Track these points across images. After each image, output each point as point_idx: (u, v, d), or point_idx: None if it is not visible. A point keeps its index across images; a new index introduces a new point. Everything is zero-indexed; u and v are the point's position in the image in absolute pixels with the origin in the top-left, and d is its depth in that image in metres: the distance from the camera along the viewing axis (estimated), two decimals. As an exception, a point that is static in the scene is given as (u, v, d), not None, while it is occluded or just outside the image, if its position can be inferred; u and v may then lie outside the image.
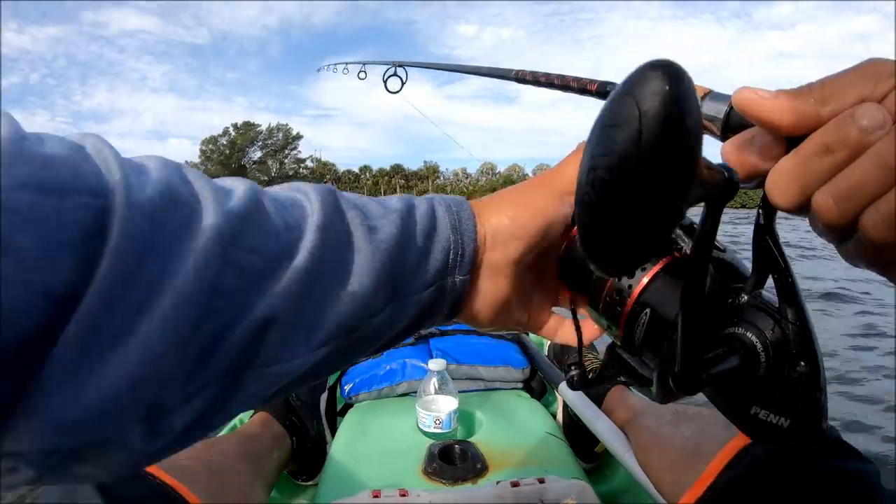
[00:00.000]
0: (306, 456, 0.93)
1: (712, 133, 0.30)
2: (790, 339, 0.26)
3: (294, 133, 55.85)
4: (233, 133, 53.57)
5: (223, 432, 1.00)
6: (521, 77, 0.63)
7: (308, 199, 0.28)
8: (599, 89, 0.44)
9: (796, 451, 0.44)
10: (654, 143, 0.16)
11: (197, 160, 55.21)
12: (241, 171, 54.15)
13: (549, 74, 0.56)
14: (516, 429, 0.88)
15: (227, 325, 0.23)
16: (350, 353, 0.29)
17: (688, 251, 0.31)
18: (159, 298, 0.20)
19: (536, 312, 0.38)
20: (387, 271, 0.29)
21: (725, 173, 0.23)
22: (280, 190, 0.29)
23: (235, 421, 1.06)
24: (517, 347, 1.10)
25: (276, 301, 0.24)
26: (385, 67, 1.12)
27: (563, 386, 0.90)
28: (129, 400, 0.20)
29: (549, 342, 1.17)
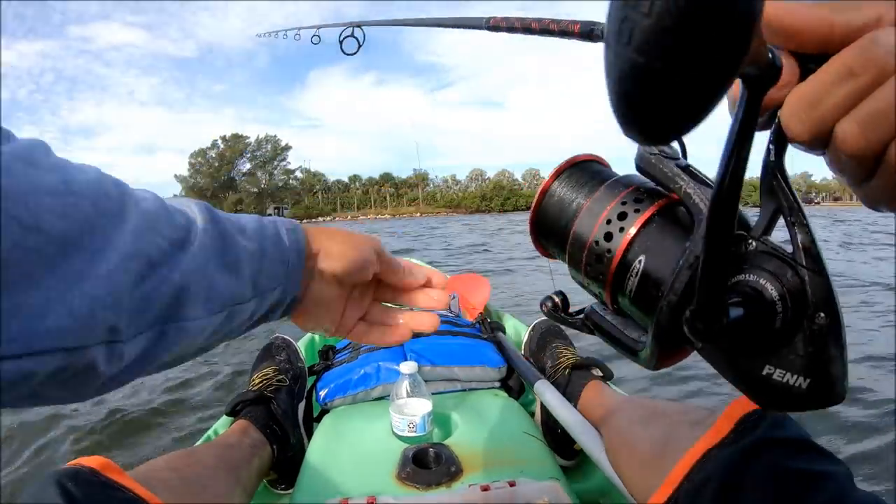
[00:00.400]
0: (286, 464, 0.91)
1: None
2: (808, 286, 0.23)
3: (283, 144, 55.75)
4: (221, 145, 53.37)
5: (200, 442, 0.98)
6: (495, 25, 0.58)
7: (191, 209, 0.35)
8: (583, 30, 0.42)
9: (762, 453, 0.43)
10: None
11: (186, 173, 54.95)
12: (230, 183, 53.97)
13: (524, 19, 0.52)
14: (493, 429, 0.86)
15: (157, 285, 0.30)
16: (234, 332, 0.39)
17: (688, 190, 0.28)
18: (103, 259, 0.27)
19: (347, 320, 0.48)
20: (250, 269, 0.37)
21: (770, 55, 0.19)
22: (170, 200, 0.36)
23: (210, 432, 1.04)
24: (493, 346, 1.09)
25: (185, 275, 0.31)
26: (340, 29, 1.08)
27: (538, 385, 0.88)
28: (96, 318, 0.26)
29: (524, 341, 1.16)
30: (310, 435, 1.01)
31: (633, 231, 0.28)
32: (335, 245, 0.43)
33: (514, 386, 1.05)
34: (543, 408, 0.95)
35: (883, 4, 0.20)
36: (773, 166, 0.24)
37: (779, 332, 0.23)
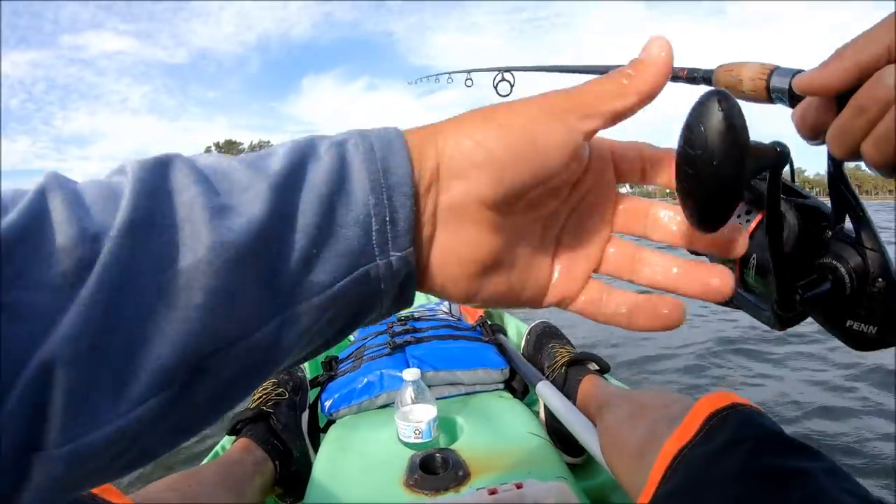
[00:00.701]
0: (291, 478, 0.91)
1: (782, 102, 0.36)
2: (868, 261, 0.32)
3: (277, 149, 55.65)
4: (215, 152, 53.27)
5: (206, 460, 0.98)
6: None
7: (127, 184, 0.20)
8: (689, 75, 0.49)
9: (732, 452, 0.42)
10: (717, 144, 0.21)
11: (181, 183, 54.96)
12: (226, 191, 54.12)
13: None
14: (498, 432, 0.87)
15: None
16: (227, 396, 0.22)
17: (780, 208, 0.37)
18: None
19: (564, 280, 0.26)
20: (251, 273, 0.20)
21: (778, 148, 0.28)
22: (103, 179, 0.22)
23: (217, 448, 1.04)
24: (494, 348, 1.09)
25: (58, 350, 0.17)
26: (493, 74, 1.16)
27: (540, 386, 0.89)
28: None
29: (522, 345, 1.17)
30: (316, 447, 1.01)
31: (750, 229, 0.36)
32: (467, 141, 0.22)
33: (518, 387, 1.05)
34: (548, 408, 0.96)
35: (888, 36, 0.25)
36: (834, 175, 0.32)
37: (850, 297, 0.32)
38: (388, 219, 0.22)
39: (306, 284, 0.21)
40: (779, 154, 0.28)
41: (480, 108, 0.24)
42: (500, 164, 0.22)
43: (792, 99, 0.34)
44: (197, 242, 0.19)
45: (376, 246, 0.22)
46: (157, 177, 0.21)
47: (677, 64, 0.51)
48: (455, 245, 0.23)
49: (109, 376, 0.18)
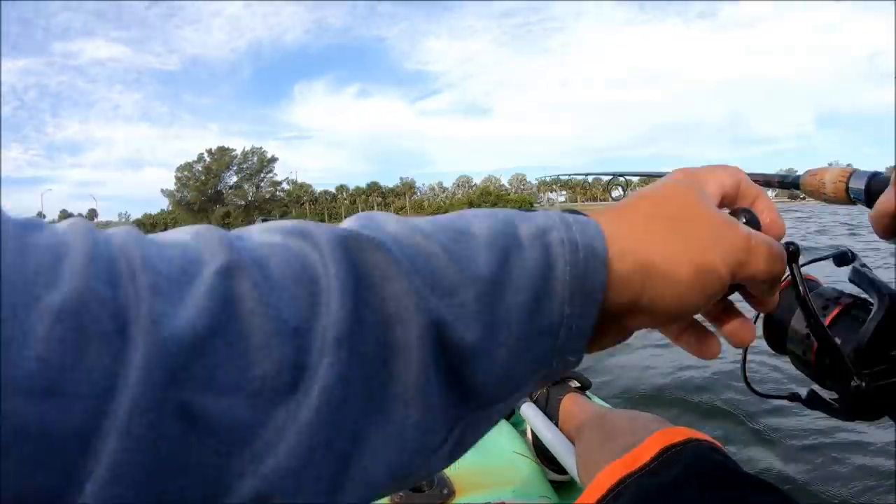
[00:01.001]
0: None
1: (860, 201, 0.38)
2: None
3: (269, 156, 55.51)
4: (207, 159, 53.12)
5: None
6: None
7: (324, 265, 0.17)
8: (780, 181, 0.51)
9: (685, 486, 0.43)
10: None
11: (173, 187, 54.70)
12: (217, 197, 53.72)
13: (752, 175, 0.63)
14: (484, 451, 0.88)
15: None
16: (404, 486, 0.22)
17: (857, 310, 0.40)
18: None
19: (675, 330, 0.29)
20: (452, 386, 0.20)
21: (790, 248, 0.30)
22: (275, 246, 0.18)
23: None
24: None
25: (279, 483, 0.15)
26: (607, 178, 1.23)
27: (525, 408, 0.91)
28: None
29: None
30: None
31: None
32: (669, 290, 0.23)
33: (504, 405, 1.07)
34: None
35: None
36: None
37: None
38: (574, 327, 0.22)
39: (495, 394, 0.21)
40: (790, 252, 0.30)
41: (672, 223, 0.25)
42: (686, 313, 0.25)
43: (868, 199, 0.37)
44: (408, 352, 0.18)
45: (557, 351, 0.22)
46: (358, 263, 0.18)
47: (770, 170, 0.54)
48: (616, 338, 0.26)
49: (321, 493, 0.17)
